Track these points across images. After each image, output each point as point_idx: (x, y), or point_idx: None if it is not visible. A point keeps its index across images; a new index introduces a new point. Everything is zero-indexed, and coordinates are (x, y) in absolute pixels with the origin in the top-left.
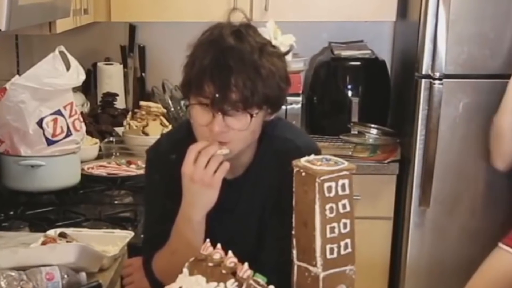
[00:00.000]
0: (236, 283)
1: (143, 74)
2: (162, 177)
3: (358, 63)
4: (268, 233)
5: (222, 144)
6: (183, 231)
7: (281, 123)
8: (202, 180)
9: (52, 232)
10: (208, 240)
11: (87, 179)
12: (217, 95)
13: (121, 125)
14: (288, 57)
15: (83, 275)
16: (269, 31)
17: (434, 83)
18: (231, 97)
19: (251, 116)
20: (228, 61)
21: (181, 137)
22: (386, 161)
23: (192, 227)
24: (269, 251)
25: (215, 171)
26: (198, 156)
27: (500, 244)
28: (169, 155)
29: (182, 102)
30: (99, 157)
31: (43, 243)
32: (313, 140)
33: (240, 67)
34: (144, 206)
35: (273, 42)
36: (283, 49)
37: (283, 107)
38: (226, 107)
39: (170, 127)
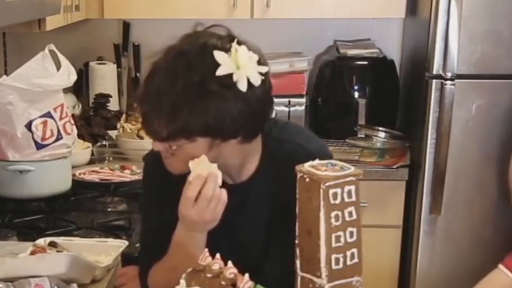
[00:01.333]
0: None
1: (137, 74)
2: (161, 183)
3: (365, 62)
4: (272, 242)
5: (167, 158)
6: (183, 247)
7: (290, 126)
8: (204, 219)
9: (41, 241)
10: (206, 249)
11: (78, 185)
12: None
13: (115, 128)
14: (242, 87)
15: (74, 286)
16: (229, 60)
17: (446, 84)
18: (154, 124)
19: (170, 146)
20: (151, 89)
21: None
22: (394, 166)
23: (193, 242)
24: (273, 261)
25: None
26: (197, 197)
27: (501, 266)
28: None
29: None
30: (91, 162)
31: (32, 253)
32: (326, 144)
33: (159, 102)
34: (140, 214)
35: (228, 72)
36: (242, 82)
37: (286, 108)
38: (151, 134)
39: None
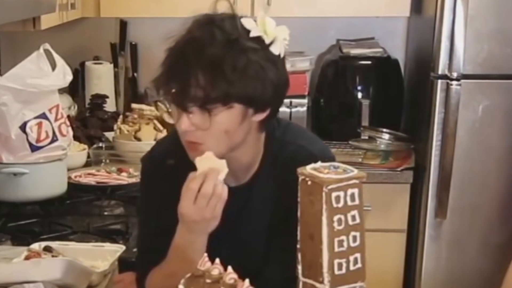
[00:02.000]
0: None
1: (135, 74)
2: (159, 185)
3: (369, 62)
4: (274, 246)
5: (194, 145)
6: (183, 252)
7: (292, 127)
8: (204, 218)
9: (36, 246)
10: (205, 254)
11: (74, 188)
12: (173, 90)
13: (112, 129)
14: (275, 51)
15: None
16: (255, 23)
17: (451, 84)
18: (190, 92)
19: (210, 113)
20: (188, 54)
21: (178, 142)
22: (399, 169)
23: (194, 247)
24: (274, 266)
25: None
26: (197, 196)
27: None
28: (165, 160)
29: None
30: (87, 165)
31: (27, 258)
32: (328, 146)
33: (199, 61)
34: (138, 217)
35: (257, 34)
36: (276, 44)
37: (287, 109)
38: (185, 103)
39: (164, 132)
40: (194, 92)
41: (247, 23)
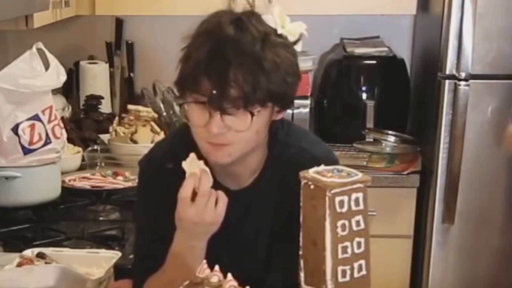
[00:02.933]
0: None
1: (131, 74)
2: (157, 190)
3: (374, 61)
4: (275, 253)
5: (221, 146)
6: (181, 259)
7: (295, 129)
8: (204, 221)
9: (29, 252)
10: (204, 261)
11: (68, 192)
12: (214, 92)
13: (107, 131)
14: (298, 48)
15: None
16: (275, 19)
17: (459, 85)
18: (230, 93)
19: (252, 114)
20: (226, 53)
21: (177, 144)
22: (405, 172)
23: (193, 253)
24: (275, 273)
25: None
26: (194, 197)
27: None
28: (164, 164)
29: (175, 105)
30: (82, 168)
31: (19, 265)
32: (331, 149)
33: (240, 60)
34: (134, 223)
35: (280, 31)
36: (292, 38)
37: (289, 111)
38: (225, 104)
39: (162, 134)
40: (234, 93)
41: (268, 20)
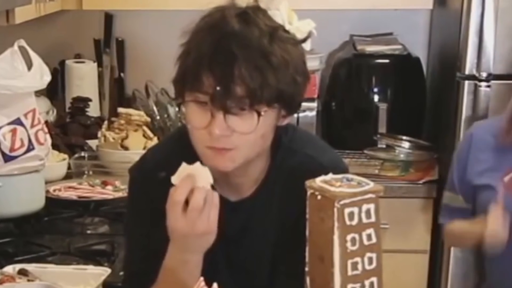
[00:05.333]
0: None
1: (122, 74)
2: (149, 201)
3: (387, 60)
4: (279, 269)
5: (223, 151)
6: (175, 274)
7: (300, 134)
8: (195, 231)
9: (10, 269)
10: (202, 278)
11: (53, 203)
12: (218, 89)
13: (95, 137)
14: (306, 46)
15: None
16: (282, 15)
17: (480, 86)
18: (235, 91)
19: (259, 114)
20: (231, 48)
21: (172, 150)
22: (421, 182)
23: (187, 268)
24: None
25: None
26: (185, 207)
27: None
28: (157, 173)
29: (169, 108)
30: (68, 177)
31: None
32: (340, 156)
33: (246, 54)
34: (124, 237)
35: (287, 27)
36: (300, 36)
37: (294, 115)
38: (229, 103)
39: (155, 139)
40: (239, 91)
41: (274, 15)
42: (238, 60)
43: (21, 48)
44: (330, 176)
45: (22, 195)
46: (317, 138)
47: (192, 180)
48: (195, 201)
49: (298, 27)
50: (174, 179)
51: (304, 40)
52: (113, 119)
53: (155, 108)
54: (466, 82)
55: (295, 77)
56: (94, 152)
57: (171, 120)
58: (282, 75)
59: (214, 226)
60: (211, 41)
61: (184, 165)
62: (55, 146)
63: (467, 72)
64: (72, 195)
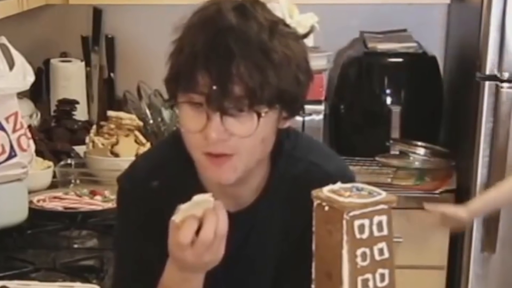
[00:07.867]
0: None
1: (111, 74)
2: (140, 212)
3: (400, 59)
4: (284, 286)
5: (222, 159)
6: None
7: (303, 140)
8: (203, 261)
9: None
10: None
11: (37, 215)
12: (214, 88)
13: (83, 143)
14: (309, 42)
15: None
16: (282, 8)
17: (502, 87)
18: (233, 90)
19: (259, 116)
20: (228, 44)
21: (165, 157)
22: (437, 191)
23: (189, 285)
24: None
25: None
26: (194, 239)
27: None
28: (149, 182)
29: (163, 110)
30: (53, 186)
31: None
32: (347, 164)
33: (245, 51)
34: (114, 252)
35: (288, 22)
36: (301, 31)
37: (299, 118)
38: (226, 104)
39: (148, 145)
40: (237, 90)
41: (274, 9)
42: (235, 57)
43: (2, 46)
44: (338, 185)
45: (3, 206)
46: (321, 144)
47: (197, 220)
48: (205, 235)
49: (299, 21)
50: (175, 217)
51: (306, 35)
52: (102, 123)
53: (148, 111)
54: (487, 83)
55: (298, 76)
56: (82, 159)
57: (165, 124)
58: (284, 73)
59: (222, 254)
60: (206, 36)
61: (185, 206)
62: (39, 153)
63: (487, 72)
64: (57, 206)
